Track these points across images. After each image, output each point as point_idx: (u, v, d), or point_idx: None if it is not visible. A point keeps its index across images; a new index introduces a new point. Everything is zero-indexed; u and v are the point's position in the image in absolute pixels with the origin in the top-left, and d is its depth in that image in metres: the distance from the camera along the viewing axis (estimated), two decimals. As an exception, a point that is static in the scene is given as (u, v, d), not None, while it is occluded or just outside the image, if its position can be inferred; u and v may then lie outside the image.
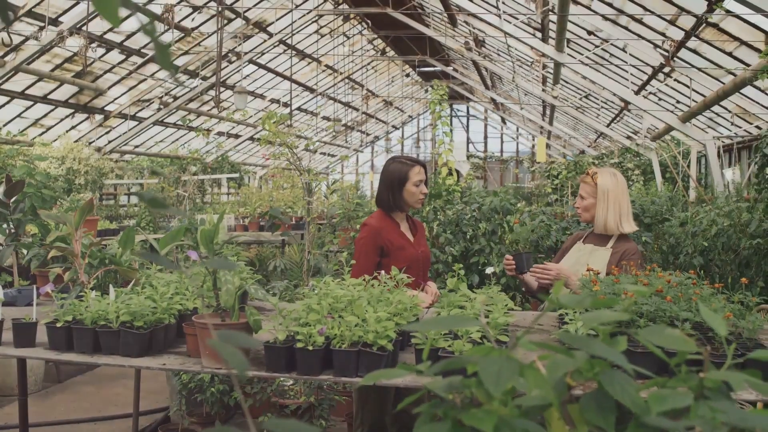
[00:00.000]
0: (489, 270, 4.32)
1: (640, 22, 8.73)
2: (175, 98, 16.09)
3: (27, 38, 10.09)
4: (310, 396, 5.48)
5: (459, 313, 3.03)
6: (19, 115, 13.20)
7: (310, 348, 2.66)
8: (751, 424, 0.91)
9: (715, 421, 0.98)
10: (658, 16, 8.34)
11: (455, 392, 1.06)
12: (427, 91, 26.64)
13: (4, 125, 12.80)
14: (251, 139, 21.47)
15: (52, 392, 6.66)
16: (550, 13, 9.24)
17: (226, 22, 14.40)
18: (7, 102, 12.42)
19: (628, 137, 16.12)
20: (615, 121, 16.02)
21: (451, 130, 8.52)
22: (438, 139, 8.19)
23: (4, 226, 6.21)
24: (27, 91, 12.45)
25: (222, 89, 16.63)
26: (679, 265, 5.67)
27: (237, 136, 21.31)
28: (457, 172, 11.96)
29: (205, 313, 3.04)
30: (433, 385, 1.08)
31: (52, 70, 12.20)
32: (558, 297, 1.08)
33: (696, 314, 2.85)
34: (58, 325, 2.98)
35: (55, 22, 10.52)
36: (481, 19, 10.50)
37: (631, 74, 10.70)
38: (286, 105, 20.08)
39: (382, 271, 3.42)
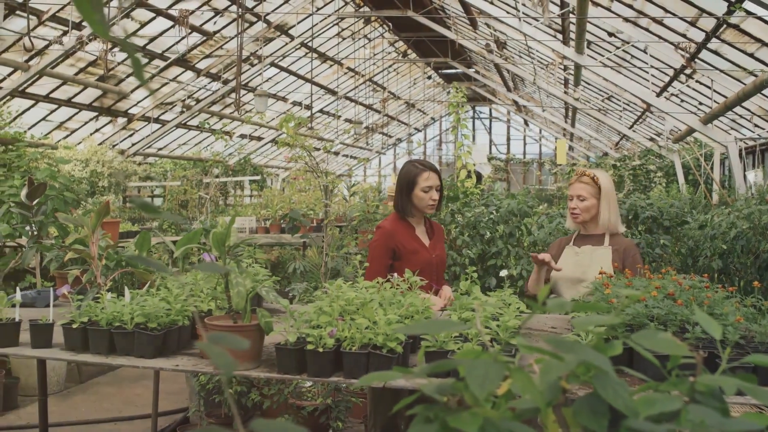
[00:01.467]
0: (503, 273, 4.31)
1: (660, 23, 8.68)
2: (198, 101, 16.21)
3: (50, 43, 10.21)
4: (327, 398, 5.51)
5: (470, 316, 3.04)
6: (43, 119, 13.37)
7: (321, 350, 2.68)
8: (728, 428, 0.92)
9: (704, 425, 0.98)
10: (680, 18, 8.30)
11: (449, 394, 1.07)
12: (449, 93, 26.61)
13: (29, 128, 12.96)
14: (273, 141, 21.57)
15: (74, 392, 6.74)
16: (570, 14, 9.21)
17: (247, 25, 14.50)
18: (32, 105, 12.58)
19: (651, 139, 16.02)
20: (638, 123, 15.93)
21: (473, 134, 8.51)
22: (457, 142, 8.16)
23: (27, 228, 6.31)
24: (51, 95, 12.61)
25: (244, 92, 16.74)
26: (698, 269, 5.63)
27: (259, 139, 21.42)
28: (479, 174, 11.92)
29: (218, 314, 3.07)
30: (425, 388, 1.09)
31: (76, 74, 12.34)
32: (541, 302, 1.09)
33: (708, 318, 2.83)
34: (74, 326, 3.02)
35: (78, 26, 10.64)
36: (502, 21, 10.46)
37: (653, 75, 10.64)
38: (308, 107, 20.16)
39: (395, 274, 3.43)
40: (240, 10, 10.21)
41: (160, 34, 12.73)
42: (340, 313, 2.91)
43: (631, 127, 16.01)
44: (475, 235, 6.16)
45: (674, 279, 3.32)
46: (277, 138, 13.94)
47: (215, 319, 2.88)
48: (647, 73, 10.20)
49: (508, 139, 31.82)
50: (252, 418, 5.95)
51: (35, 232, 5.91)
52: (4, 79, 10.96)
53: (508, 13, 11.48)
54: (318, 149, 25.35)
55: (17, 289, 3.37)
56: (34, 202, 5.75)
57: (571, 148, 26.45)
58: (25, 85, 11.27)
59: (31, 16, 10.24)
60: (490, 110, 31.71)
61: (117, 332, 2.95)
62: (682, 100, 11.86)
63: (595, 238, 4.03)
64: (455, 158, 8.39)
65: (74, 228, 4.15)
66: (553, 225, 5.93)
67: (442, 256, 4.18)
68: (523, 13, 10.22)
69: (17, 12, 9.78)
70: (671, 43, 9.07)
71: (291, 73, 18.07)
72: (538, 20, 10.60)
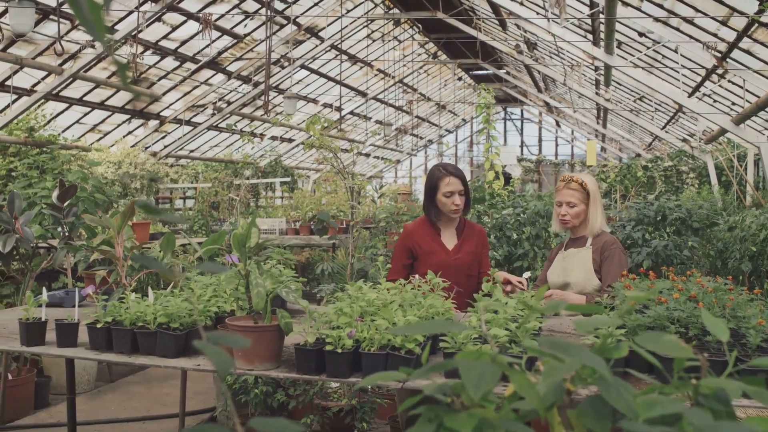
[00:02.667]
0: (526, 275, 4.30)
1: (691, 23, 8.59)
2: (229, 103, 16.34)
3: (83, 46, 10.36)
4: (352, 398, 5.53)
5: (491, 318, 3.04)
6: (77, 121, 13.56)
7: (339, 351, 2.70)
8: None
9: (702, 429, 0.98)
10: (711, 17, 8.20)
11: (450, 395, 1.08)
12: (479, 94, 26.54)
13: (63, 131, 13.16)
14: (303, 143, 21.68)
15: (104, 391, 6.83)
16: (600, 14, 9.14)
17: (277, 27, 14.59)
18: (66, 108, 12.77)
19: (684, 140, 15.84)
20: (670, 124, 15.76)
21: (504, 135, 8.47)
22: (485, 144, 8.15)
23: (59, 229, 6.41)
24: (85, 98, 12.79)
25: (274, 94, 16.85)
26: (728, 271, 5.56)
27: (290, 141, 21.53)
28: (507, 175, 11.85)
29: (239, 315, 3.11)
30: (427, 388, 1.10)
31: (109, 77, 12.50)
32: (536, 304, 1.09)
33: (729, 321, 2.81)
34: (99, 326, 3.07)
35: (111, 30, 10.77)
36: (531, 22, 10.42)
37: (684, 75, 10.53)
38: (338, 109, 20.23)
39: (416, 275, 3.44)
40: (269, 13, 10.25)
41: (191, 38, 12.85)
42: (360, 315, 2.93)
43: (664, 127, 15.84)
44: (502, 236, 6.15)
45: (698, 281, 3.29)
46: (304, 140, 14.01)
47: (236, 320, 2.91)
48: (678, 73, 10.09)
49: (540, 140, 31.67)
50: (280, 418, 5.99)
51: (66, 233, 6.01)
52: (39, 82, 11.14)
53: (537, 14, 11.43)
54: (348, 151, 25.48)
55: (44, 289, 3.43)
56: (65, 204, 5.85)
57: (603, 149, 26.25)
58: (58, 89, 11.44)
59: (64, 21, 10.39)
60: (522, 111, 31.58)
61: (140, 332, 3.00)
62: (715, 101, 11.71)
63: (580, 241, 4.10)
64: (484, 160, 8.38)
65: (101, 229, 4.21)
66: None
67: (465, 259, 4.17)
68: (552, 13, 10.16)
69: (51, 17, 9.93)
70: (702, 43, 8.97)
71: (321, 75, 18.14)
72: (567, 20, 10.54)
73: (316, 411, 5.53)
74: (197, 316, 3.13)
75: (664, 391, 1.10)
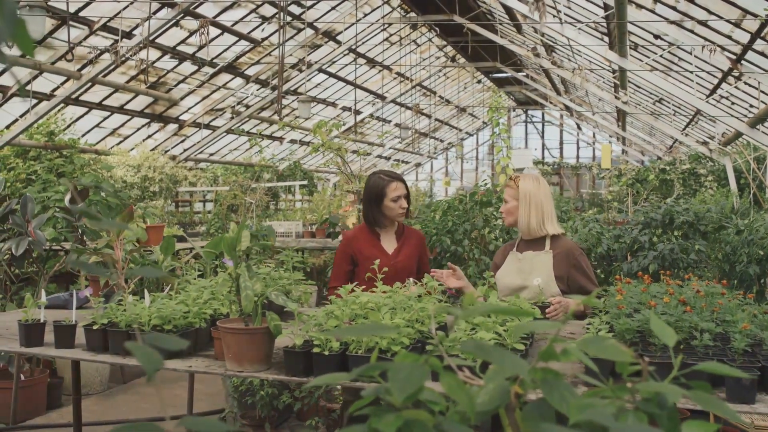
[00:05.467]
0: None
1: (705, 25, 8.54)
2: (247, 107, 16.44)
3: (102, 52, 10.49)
4: (358, 401, 5.55)
5: (481, 321, 3.05)
6: (97, 125, 13.72)
7: (327, 353, 2.73)
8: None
9: None
10: (725, 20, 8.15)
11: (384, 396, 1.10)
12: (499, 96, 26.46)
13: (83, 135, 13.32)
14: (305, 144, 21.64)
15: (116, 392, 6.92)
16: (614, 17, 9.11)
17: (295, 32, 14.67)
18: (86, 113, 12.93)
19: (704, 142, 15.72)
20: (690, 126, 15.64)
21: (525, 138, 8.45)
22: (496, 147, 8.14)
23: (72, 232, 6.50)
24: (104, 102, 12.94)
25: (293, 98, 16.94)
26: (735, 275, 5.53)
27: (309, 143, 21.62)
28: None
29: (233, 317, 3.15)
30: (366, 391, 1.13)
31: (128, 82, 12.64)
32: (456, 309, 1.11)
33: (719, 325, 2.80)
34: (95, 327, 3.13)
35: (129, 35, 10.90)
36: (541, 23, 10.39)
37: (701, 77, 10.46)
38: (358, 113, 20.28)
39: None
40: (282, 20, 10.32)
41: (208, 43, 12.94)
42: (350, 318, 2.96)
43: (683, 130, 15.73)
44: (509, 239, 6.15)
45: (693, 286, 3.29)
46: (311, 144, 14.03)
47: (227, 322, 2.95)
48: (695, 76, 10.03)
49: (561, 143, 31.53)
50: (288, 420, 6.04)
51: (79, 236, 6.10)
52: (58, 87, 11.29)
53: (554, 17, 11.41)
54: (367, 154, 25.52)
55: (42, 291, 3.49)
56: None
57: (624, 152, 26.09)
58: (78, 93, 11.59)
59: (82, 26, 10.54)
60: (543, 114, 31.47)
61: (134, 334, 3.05)
62: (733, 103, 11.62)
63: (537, 243, 4.03)
64: (499, 163, 8.38)
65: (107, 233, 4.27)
66: (587, 230, 5.89)
67: (405, 264, 4.24)
68: (565, 14, 10.14)
69: (70, 22, 10.07)
70: (718, 45, 8.91)
71: (339, 78, 18.19)
72: (581, 22, 10.52)
73: (322, 413, 5.57)
74: (192, 318, 3.17)
75: (605, 394, 1.11)
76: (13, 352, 3.91)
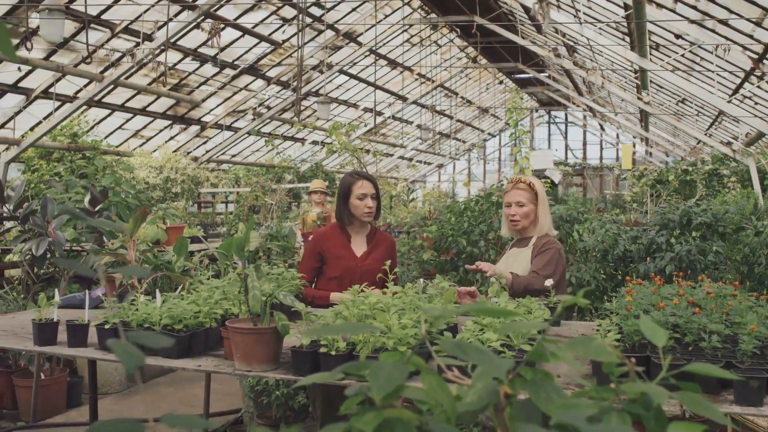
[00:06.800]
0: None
1: (726, 24, 8.46)
2: (269, 108, 16.53)
3: (123, 55, 10.59)
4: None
5: (490, 323, 3.05)
6: (119, 127, 13.86)
7: (333, 353, 2.74)
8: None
9: None
10: (747, 19, 8.07)
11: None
12: (522, 98, 26.37)
13: (106, 137, 13.45)
14: (324, 145, 21.67)
15: (134, 392, 6.98)
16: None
17: (315, 33, 14.72)
18: (108, 114, 13.06)
19: (728, 143, 15.56)
20: (714, 127, 15.49)
21: (548, 139, 8.42)
22: (514, 148, 8.12)
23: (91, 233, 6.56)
24: (126, 104, 13.06)
25: (314, 99, 17.00)
26: (755, 276, 5.48)
27: (325, 144, 21.69)
28: (551, 180, 11.76)
29: (243, 317, 3.17)
30: (349, 390, 1.14)
31: (150, 84, 12.75)
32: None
33: (728, 327, 2.78)
34: (107, 327, 3.16)
35: (150, 37, 11.00)
36: (545, 23, 10.35)
37: (724, 77, 10.36)
38: (379, 114, 20.29)
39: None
40: (301, 22, 10.36)
41: (229, 45, 13.04)
42: (358, 318, 2.97)
43: (707, 131, 15.58)
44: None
45: (707, 287, 3.27)
46: (326, 144, 14.05)
47: (236, 322, 2.97)
48: (717, 76, 9.93)
49: (585, 144, 31.36)
50: (305, 420, 6.06)
51: (99, 237, 6.17)
52: (81, 89, 11.41)
53: (575, 17, 11.36)
54: (391, 155, 25.53)
55: (56, 291, 3.54)
56: (96, 209, 6.00)
57: (648, 153, 25.89)
58: (100, 95, 11.71)
59: (104, 29, 10.65)
60: (566, 115, 31.31)
61: (146, 333, 3.07)
62: (756, 103, 11.50)
63: (525, 241, 4.20)
64: (520, 164, 8.35)
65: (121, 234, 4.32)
66: (603, 231, 5.86)
67: (372, 266, 4.23)
68: (585, 14, 10.09)
69: (92, 25, 10.18)
70: (739, 45, 8.83)
71: (360, 80, 18.23)
72: (601, 22, 10.46)
73: (338, 413, 5.57)
74: (203, 317, 3.20)
75: (591, 395, 1.11)
76: (27, 351, 3.97)
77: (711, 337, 2.66)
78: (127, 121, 13.82)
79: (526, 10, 11.86)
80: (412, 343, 2.76)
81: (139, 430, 0.96)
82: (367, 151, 12.06)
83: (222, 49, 13.12)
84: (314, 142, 20.51)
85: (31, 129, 11.38)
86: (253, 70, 14.63)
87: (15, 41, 9.63)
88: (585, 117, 30.31)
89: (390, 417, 1.04)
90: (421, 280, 3.55)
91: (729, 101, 11.00)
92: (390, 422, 1.04)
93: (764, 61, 8.54)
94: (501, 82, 26.08)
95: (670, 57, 10.99)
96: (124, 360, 1.02)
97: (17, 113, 11.07)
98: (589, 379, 2.60)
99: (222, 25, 11.02)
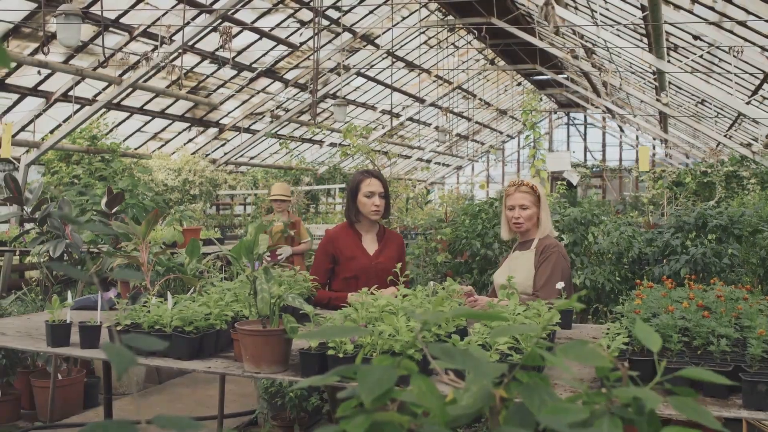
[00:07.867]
0: (559, 285, 4.29)
1: (744, 25, 8.41)
2: (287, 111, 16.58)
3: (141, 58, 10.67)
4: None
5: (502, 325, 3.04)
6: (138, 130, 13.97)
7: (341, 355, 2.76)
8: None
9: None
10: (765, 20, 8.01)
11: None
12: (541, 99, 26.29)
13: (125, 139, 13.56)
14: (334, 145, 21.67)
15: (151, 393, 7.03)
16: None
17: (333, 36, 14.76)
18: (127, 117, 13.17)
19: (747, 144, 15.44)
20: (733, 128, 15.38)
21: (567, 140, 8.40)
22: (530, 150, 8.11)
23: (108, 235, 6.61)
24: (145, 107, 13.16)
25: (331, 101, 17.04)
26: (770, 279, 5.43)
27: (340, 146, 21.73)
28: (569, 181, 11.72)
29: (252, 319, 3.19)
30: (341, 393, 1.15)
31: (168, 87, 12.84)
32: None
33: (737, 330, 2.77)
34: (119, 328, 3.19)
35: (168, 40, 11.08)
36: (578, 26, 10.34)
37: (743, 78, 10.28)
38: (397, 116, 20.31)
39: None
40: (318, 24, 10.40)
41: (246, 48, 13.11)
42: (367, 320, 2.98)
43: (726, 132, 15.47)
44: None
45: (718, 290, 3.25)
46: (340, 146, 14.08)
47: (245, 324, 2.99)
48: (736, 77, 9.87)
49: (604, 146, 31.21)
50: (319, 421, 6.08)
51: (115, 239, 6.22)
52: (100, 92, 11.51)
53: (592, 18, 11.32)
54: (408, 157, 25.53)
55: (69, 293, 3.58)
56: (113, 211, 6.05)
57: (668, 155, 25.73)
58: (119, 98, 11.81)
59: (123, 33, 10.74)
60: (585, 116, 31.17)
61: (156, 335, 3.10)
62: (776, 105, 11.42)
63: (527, 244, 4.20)
64: (536, 165, 8.35)
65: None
66: (617, 233, 5.83)
67: (385, 264, 4.24)
68: (602, 15, 10.05)
69: (111, 29, 10.27)
70: (759, 46, 8.77)
71: (377, 82, 18.25)
72: (619, 23, 10.41)
73: (351, 415, 5.58)
74: (213, 319, 3.22)
75: (584, 399, 1.12)
76: (40, 352, 4.01)
77: (720, 340, 2.64)
78: (146, 123, 13.93)
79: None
80: (419, 346, 2.77)
81: (132, 431, 0.98)
82: (384, 153, 12.07)
83: (239, 53, 13.21)
84: (332, 144, 20.55)
85: (51, 132, 11.50)
86: (271, 72, 14.70)
87: (34, 45, 9.75)
88: (604, 118, 30.15)
89: (380, 420, 1.05)
90: (431, 282, 3.56)
91: (748, 103, 10.92)
92: (380, 425, 1.04)
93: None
94: (519, 84, 26.01)
95: (688, 58, 10.93)
96: (115, 361, 1.04)
97: (37, 116, 11.20)
98: (596, 384, 2.59)
99: (233, 29, 11.07)
